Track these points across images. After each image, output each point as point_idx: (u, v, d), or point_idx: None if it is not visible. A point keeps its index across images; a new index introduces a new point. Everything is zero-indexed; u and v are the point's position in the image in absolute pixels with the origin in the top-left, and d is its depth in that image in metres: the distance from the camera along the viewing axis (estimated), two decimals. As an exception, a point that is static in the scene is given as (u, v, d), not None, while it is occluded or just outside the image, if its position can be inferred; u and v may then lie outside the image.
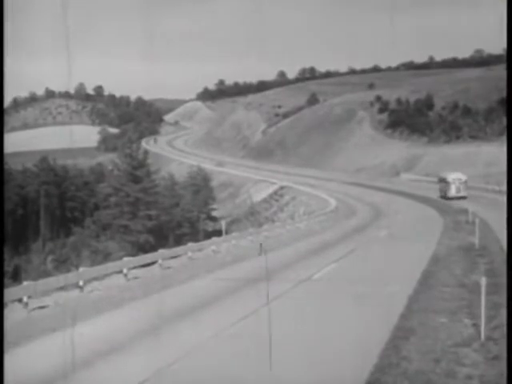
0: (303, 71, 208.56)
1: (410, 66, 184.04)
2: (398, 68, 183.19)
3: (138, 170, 58.48)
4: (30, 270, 48.44)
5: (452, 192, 57.04)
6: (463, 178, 58.17)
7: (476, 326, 12.79)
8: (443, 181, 59.60)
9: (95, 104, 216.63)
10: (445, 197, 57.31)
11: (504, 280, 13.15)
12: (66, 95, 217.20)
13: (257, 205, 79.88)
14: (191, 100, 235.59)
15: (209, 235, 50.94)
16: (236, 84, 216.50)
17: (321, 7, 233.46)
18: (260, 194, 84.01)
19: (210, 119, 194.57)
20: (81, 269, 19.93)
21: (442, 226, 36.99)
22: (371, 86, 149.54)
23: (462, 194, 56.37)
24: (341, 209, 54.72)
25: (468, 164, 78.26)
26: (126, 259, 22.05)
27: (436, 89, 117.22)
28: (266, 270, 21.18)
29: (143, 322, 14.19)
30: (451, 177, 58.62)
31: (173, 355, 11.25)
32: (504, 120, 67.71)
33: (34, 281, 17.83)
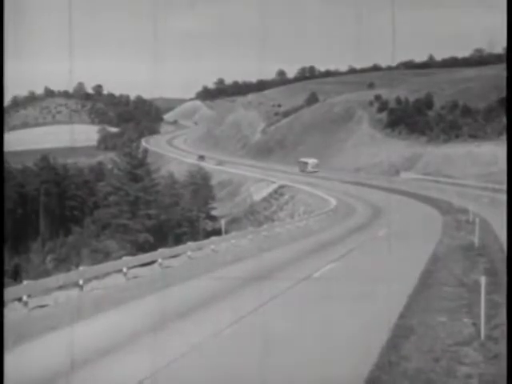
0: (303, 70, 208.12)
1: (410, 66, 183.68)
2: (397, 67, 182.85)
3: (138, 169, 58.30)
4: (29, 269, 48.41)
5: (309, 168, 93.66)
6: (316, 161, 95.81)
7: (476, 325, 12.80)
8: (304, 163, 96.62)
9: (95, 103, 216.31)
10: (303, 171, 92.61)
11: (504, 279, 13.17)
12: (65, 94, 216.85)
13: (256, 204, 79.73)
14: (191, 99, 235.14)
15: (208, 234, 50.88)
16: (235, 83, 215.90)
17: (321, 7, 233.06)
18: (260, 193, 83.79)
19: (209, 118, 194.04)
20: (81, 268, 19.90)
21: (442, 225, 36.98)
22: (371, 85, 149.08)
23: (314, 170, 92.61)
24: (340, 208, 54.68)
25: (468, 163, 78.26)
26: (125, 258, 22.02)
27: (436, 88, 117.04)
28: (266, 269, 21.21)
29: (143, 320, 14.20)
30: (309, 161, 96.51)
31: (172, 354, 11.26)
32: (504, 119, 67.80)
33: (34, 280, 17.84)
